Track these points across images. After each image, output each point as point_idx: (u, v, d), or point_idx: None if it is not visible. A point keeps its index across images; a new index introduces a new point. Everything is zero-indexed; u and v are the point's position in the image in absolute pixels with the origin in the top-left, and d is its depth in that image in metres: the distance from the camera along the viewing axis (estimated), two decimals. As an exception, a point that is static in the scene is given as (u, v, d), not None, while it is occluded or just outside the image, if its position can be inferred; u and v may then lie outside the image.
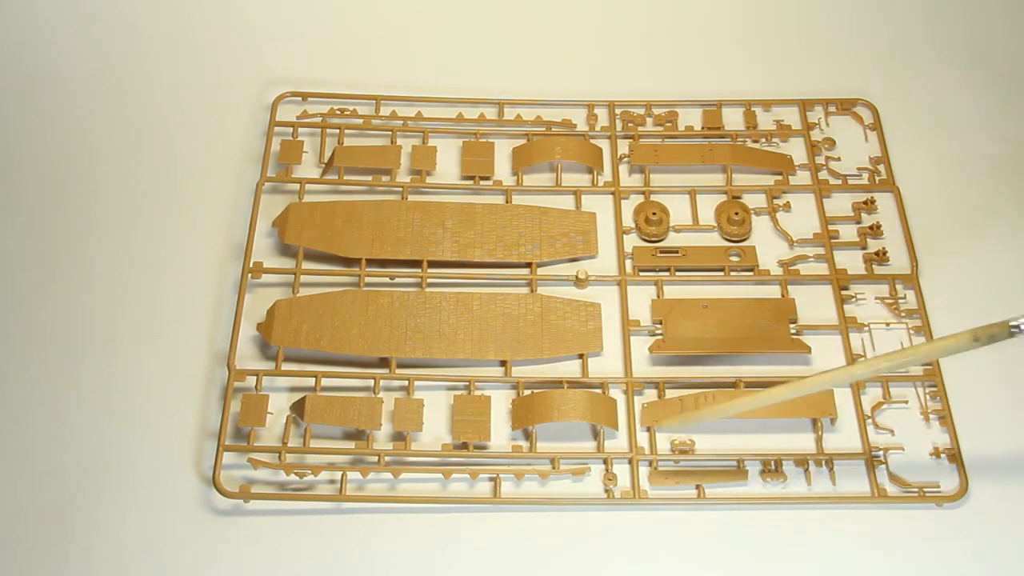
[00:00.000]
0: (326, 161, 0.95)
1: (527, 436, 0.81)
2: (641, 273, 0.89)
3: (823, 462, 0.80)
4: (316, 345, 0.84)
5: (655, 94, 1.00)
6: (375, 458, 0.80)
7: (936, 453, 0.80)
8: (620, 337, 0.86)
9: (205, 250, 0.91)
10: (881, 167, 0.95)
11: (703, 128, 0.98)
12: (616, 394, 0.83)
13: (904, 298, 0.88)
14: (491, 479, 0.79)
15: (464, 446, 0.80)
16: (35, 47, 1.04)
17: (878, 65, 1.03)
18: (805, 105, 0.99)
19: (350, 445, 0.81)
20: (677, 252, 0.90)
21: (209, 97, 1.01)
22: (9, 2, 1.06)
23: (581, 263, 0.90)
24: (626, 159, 0.96)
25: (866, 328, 0.86)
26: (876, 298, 0.88)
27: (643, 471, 0.80)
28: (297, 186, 0.93)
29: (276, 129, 0.97)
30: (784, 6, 1.08)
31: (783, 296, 0.88)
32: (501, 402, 0.83)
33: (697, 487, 0.79)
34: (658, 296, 0.88)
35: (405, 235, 0.90)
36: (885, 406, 0.83)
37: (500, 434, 0.82)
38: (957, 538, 0.77)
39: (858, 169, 0.96)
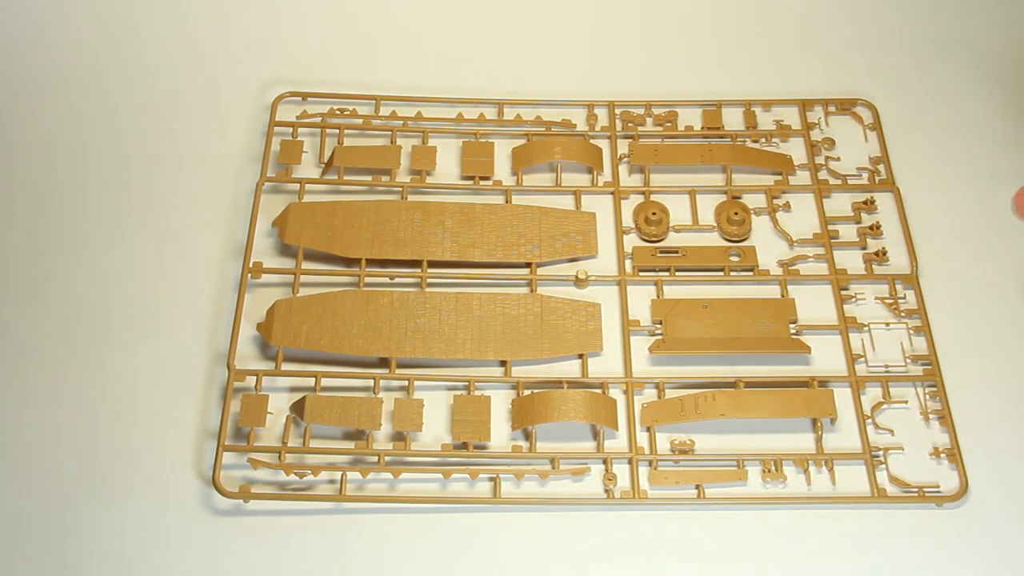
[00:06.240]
0: (326, 161, 0.95)
1: (527, 436, 0.81)
2: (641, 273, 0.89)
3: (823, 462, 0.80)
4: (316, 345, 0.84)
5: (655, 94, 1.00)
6: (375, 458, 0.80)
7: (936, 453, 0.80)
8: (620, 337, 0.86)
9: (205, 250, 0.91)
10: (881, 167, 0.95)
11: (703, 128, 0.98)
12: (616, 394, 0.83)
13: (904, 298, 0.88)
14: (491, 479, 0.79)
15: (464, 446, 0.80)
16: (35, 47, 1.04)
17: (878, 65, 1.03)
18: (805, 105, 0.99)
19: (350, 445, 0.81)
20: (677, 252, 0.90)
21: (209, 97, 1.01)
22: (9, 2, 1.06)
23: (581, 263, 0.90)
24: (626, 159, 0.96)
25: (866, 328, 0.86)
26: (876, 298, 0.88)
27: (643, 471, 0.80)
28: (297, 186, 0.93)
29: (276, 129, 0.97)
30: (784, 6, 1.08)
31: (783, 296, 0.88)
32: (501, 402, 0.83)
33: (697, 487, 0.79)
34: (658, 296, 0.88)
35: (405, 235, 0.90)
36: (885, 406, 0.83)
37: (500, 434, 0.82)
38: (957, 538, 0.77)
39: (858, 169, 0.95)
